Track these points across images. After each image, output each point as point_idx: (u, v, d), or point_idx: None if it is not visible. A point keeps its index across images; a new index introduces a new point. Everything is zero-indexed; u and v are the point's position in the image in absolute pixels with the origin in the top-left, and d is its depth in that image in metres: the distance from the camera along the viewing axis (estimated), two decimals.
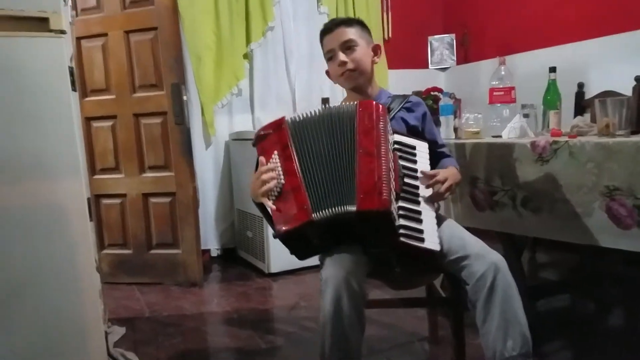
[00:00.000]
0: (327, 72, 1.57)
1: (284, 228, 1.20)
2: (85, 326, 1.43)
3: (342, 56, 1.47)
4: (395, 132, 1.38)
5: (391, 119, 1.42)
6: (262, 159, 1.28)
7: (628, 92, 2.14)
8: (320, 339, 1.20)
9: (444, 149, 1.59)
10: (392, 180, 1.21)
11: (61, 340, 1.39)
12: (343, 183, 1.21)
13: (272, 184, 1.23)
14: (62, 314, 1.39)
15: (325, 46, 1.52)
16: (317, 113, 1.31)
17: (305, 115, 1.31)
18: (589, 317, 2.11)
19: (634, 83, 2.14)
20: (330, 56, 1.51)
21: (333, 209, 1.19)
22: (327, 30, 1.52)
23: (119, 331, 2.04)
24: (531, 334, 1.22)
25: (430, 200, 1.34)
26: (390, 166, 1.23)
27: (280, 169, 1.25)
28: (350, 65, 1.47)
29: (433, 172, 1.38)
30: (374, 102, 1.31)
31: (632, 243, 1.32)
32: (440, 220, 1.38)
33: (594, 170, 1.38)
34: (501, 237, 1.77)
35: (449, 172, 1.41)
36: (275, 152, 1.27)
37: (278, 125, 1.30)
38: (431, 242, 1.24)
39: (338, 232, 1.26)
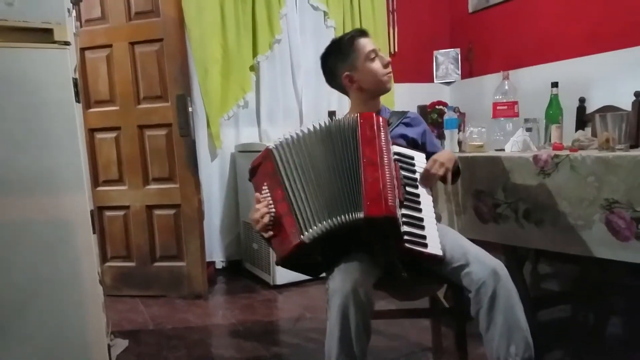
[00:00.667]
0: (349, 77, 1.54)
1: (280, 256, 1.25)
2: (88, 339, 1.44)
3: (388, 57, 1.54)
4: (394, 143, 1.42)
5: (390, 132, 1.46)
6: (257, 195, 1.32)
7: (628, 107, 2.16)
8: (327, 348, 1.21)
9: None
10: (396, 188, 1.24)
11: (64, 352, 1.40)
12: (347, 193, 1.23)
13: (265, 219, 1.26)
14: (65, 326, 1.40)
15: (366, 46, 1.51)
16: (313, 130, 1.34)
17: (294, 137, 1.34)
18: (590, 327, 2.11)
19: (634, 98, 2.17)
20: (373, 56, 1.52)
21: (329, 221, 1.21)
22: (364, 33, 1.55)
23: (122, 344, 2.04)
24: (533, 343, 1.23)
25: (426, 187, 1.39)
26: (393, 174, 1.26)
27: (270, 199, 1.29)
28: (391, 69, 1.54)
29: (428, 164, 1.42)
30: (374, 114, 1.35)
31: (630, 255, 1.34)
32: (440, 229, 1.39)
33: (595, 184, 1.39)
34: (504, 249, 1.78)
35: (440, 154, 1.45)
36: (265, 183, 1.31)
37: (265, 156, 1.35)
38: (434, 247, 1.27)
39: (342, 243, 1.27)
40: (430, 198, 1.39)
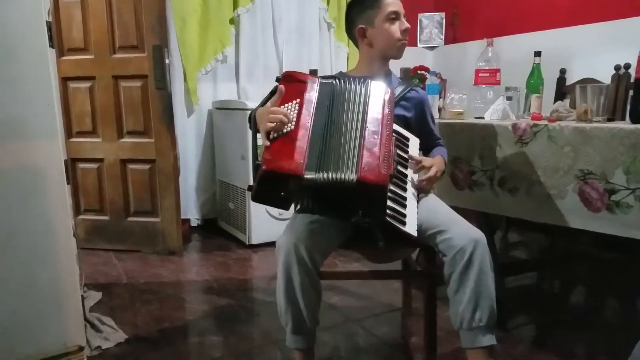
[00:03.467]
0: (362, 30, 1.51)
1: (267, 166, 1.17)
2: (61, 290, 1.43)
3: (408, 24, 1.50)
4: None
5: (395, 104, 1.44)
6: (281, 87, 1.25)
7: (608, 80, 2.19)
8: (278, 303, 1.29)
9: (439, 141, 1.65)
10: (391, 161, 1.25)
11: (38, 304, 1.39)
12: (347, 153, 1.22)
13: (279, 125, 1.20)
14: (38, 277, 1.38)
15: (390, 5, 1.48)
16: (340, 82, 1.32)
17: (333, 82, 1.32)
18: (554, 295, 2.22)
19: (614, 71, 2.20)
20: (393, 17, 1.48)
21: (331, 174, 1.19)
22: None
23: (95, 296, 2.04)
24: (499, 309, 1.29)
25: (415, 188, 1.42)
26: (390, 149, 1.27)
27: (294, 116, 1.24)
28: (407, 37, 1.51)
29: (420, 157, 1.44)
30: (385, 85, 1.35)
31: (601, 225, 1.38)
32: (428, 198, 1.45)
33: (571, 154, 1.43)
34: (477, 216, 1.82)
35: (435, 160, 1.47)
36: (298, 100, 1.27)
37: (312, 81, 1.32)
38: (411, 227, 1.29)
39: (320, 201, 1.30)
40: (416, 181, 1.43)
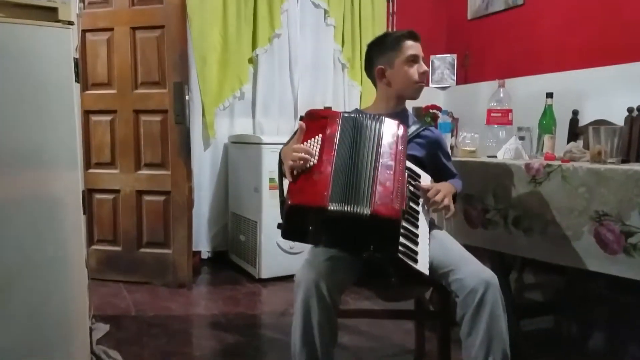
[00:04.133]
0: (381, 70, 1.56)
1: (293, 201, 1.21)
2: (70, 320, 1.43)
3: (426, 67, 1.56)
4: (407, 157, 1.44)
5: (408, 142, 1.48)
6: (302, 125, 1.32)
7: (620, 121, 2.20)
8: (292, 339, 1.25)
9: (455, 177, 1.65)
10: (403, 197, 1.27)
11: (46, 333, 1.38)
12: (361, 187, 1.24)
13: (304, 161, 1.25)
14: (49, 306, 1.38)
15: (410, 49, 1.53)
16: (359, 118, 1.37)
17: (353, 117, 1.37)
18: (571, 338, 2.14)
19: (626, 114, 2.20)
20: (413, 59, 1.53)
21: (349, 207, 1.21)
22: (414, 36, 1.56)
23: (102, 328, 2.02)
24: (514, 352, 1.26)
25: (426, 214, 1.41)
26: (403, 185, 1.29)
27: (317, 151, 1.28)
28: (425, 80, 1.57)
29: (427, 185, 1.44)
30: (398, 123, 1.39)
31: (618, 268, 1.35)
32: (438, 233, 1.44)
33: (585, 195, 1.42)
34: (491, 255, 1.80)
35: (442, 185, 1.47)
36: (320, 135, 1.31)
37: (334, 116, 1.37)
38: (422, 265, 1.28)
39: (337, 234, 1.28)
40: (428, 218, 1.42)
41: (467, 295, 1.24)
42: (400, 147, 1.33)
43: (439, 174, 1.58)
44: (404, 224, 1.30)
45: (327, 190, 1.21)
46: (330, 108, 2.48)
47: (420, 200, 1.42)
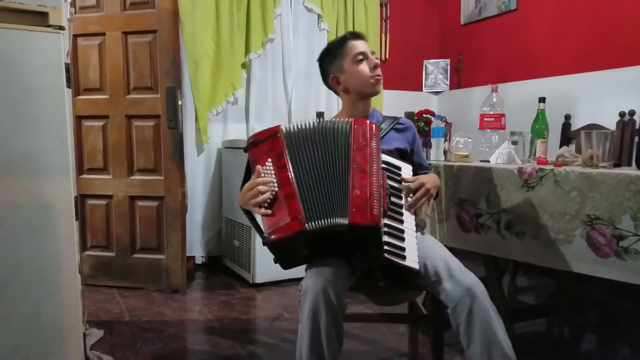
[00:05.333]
0: (335, 78, 1.55)
1: (273, 236, 1.19)
2: (64, 326, 1.42)
3: (376, 60, 1.53)
4: (383, 152, 1.42)
5: (381, 138, 1.46)
6: (258, 167, 1.28)
7: (612, 126, 2.22)
8: (298, 350, 1.21)
9: (427, 172, 1.64)
10: (382, 197, 1.24)
11: (39, 338, 1.38)
12: (335, 196, 1.23)
13: (267, 195, 1.23)
14: (43, 313, 1.38)
15: (356, 48, 1.52)
16: (312, 125, 1.33)
17: (299, 126, 1.33)
18: (564, 341, 2.15)
19: (618, 118, 2.23)
20: (361, 58, 1.51)
21: (326, 220, 1.20)
22: (357, 35, 1.55)
23: (96, 334, 2.01)
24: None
25: (410, 209, 1.38)
26: (381, 183, 1.25)
27: (274, 177, 1.25)
28: (380, 72, 1.53)
29: (412, 178, 1.42)
30: (368, 121, 1.35)
31: (610, 271, 1.36)
32: (422, 239, 1.41)
33: (577, 199, 1.43)
34: (484, 259, 1.81)
35: (428, 178, 1.44)
36: (270, 159, 1.28)
37: (273, 133, 1.31)
38: (411, 260, 1.27)
39: (325, 245, 1.27)
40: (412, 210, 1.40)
41: (455, 307, 1.23)
42: (373, 146, 1.29)
43: (415, 166, 1.56)
44: (386, 221, 1.29)
45: (299, 213, 1.19)
46: (322, 113, 2.47)
47: (403, 195, 1.39)
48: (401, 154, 1.53)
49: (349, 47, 1.53)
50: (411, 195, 1.39)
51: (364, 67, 1.51)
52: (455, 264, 1.30)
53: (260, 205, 1.24)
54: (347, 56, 1.52)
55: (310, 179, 1.26)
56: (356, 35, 1.56)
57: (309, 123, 1.33)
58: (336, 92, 1.62)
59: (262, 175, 1.26)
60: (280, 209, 1.21)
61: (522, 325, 2.15)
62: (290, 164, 1.26)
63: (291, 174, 1.25)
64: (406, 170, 1.46)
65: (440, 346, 1.44)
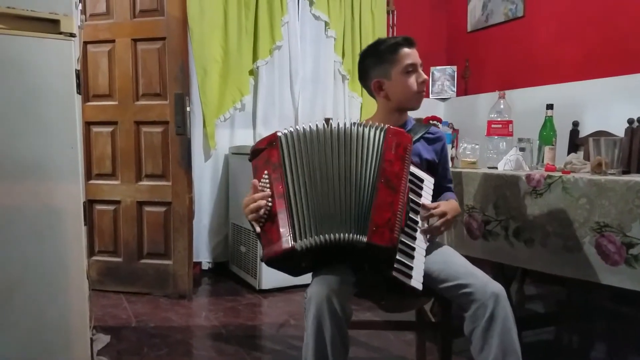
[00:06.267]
0: (378, 83, 1.47)
1: (265, 256, 1.18)
2: (71, 331, 1.42)
3: (425, 76, 1.47)
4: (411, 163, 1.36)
5: (415, 143, 1.41)
6: (254, 182, 1.24)
7: (620, 132, 2.21)
8: (304, 356, 1.20)
9: (450, 185, 1.61)
10: (402, 215, 1.20)
11: (46, 343, 1.38)
12: (353, 210, 1.18)
13: (260, 212, 1.19)
14: (50, 318, 1.38)
15: (408, 57, 1.43)
16: (328, 129, 1.25)
17: (308, 129, 1.25)
18: (573, 350, 2.13)
19: (627, 125, 2.21)
20: (411, 69, 1.44)
21: (329, 235, 1.16)
22: (410, 42, 1.46)
23: (103, 339, 2.02)
24: None
25: (425, 234, 1.33)
26: (405, 201, 1.21)
27: (269, 190, 1.21)
28: (425, 88, 1.48)
29: (434, 204, 1.36)
30: (405, 132, 1.29)
31: (619, 279, 1.35)
32: (437, 246, 1.40)
33: (586, 206, 1.42)
34: (492, 267, 1.79)
35: (450, 206, 1.40)
36: (266, 172, 1.23)
37: (271, 141, 1.25)
38: (417, 280, 1.23)
39: (329, 254, 1.25)
40: (426, 226, 1.35)
41: (477, 309, 1.20)
42: (406, 159, 1.21)
43: (439, 178, 1.52)
44: (401, 238, 1.24)
45: (288, 231, 1.15)
46: (330, 119, 2.48)
47: (420, 210, 1.34)
48: (429, 166, 1.48)
49: (401, 55, 1.43)
50: (428, 220, 1.35)
51: (413, 82, 1.44)
52: (479, 270, 1.29)
53: (257, 222, 1.21)
54: (397, 64, 1.44)
55: (316, 190, 1.20)
56: (410, 43, 1.46)
57: (323, 125, 1.25)
58: (371, 94, 1.54)
59: (260, 188, 1.22)
60: (273, 225, 1.17)
61: (531, 334, 2.13)
62: (289, 176, 1.21)
63: (287, 188, 1.20)
64: (428, 183, 1.40)
65: (449, 354, 1.43)
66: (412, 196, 1.32)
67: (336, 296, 1.16)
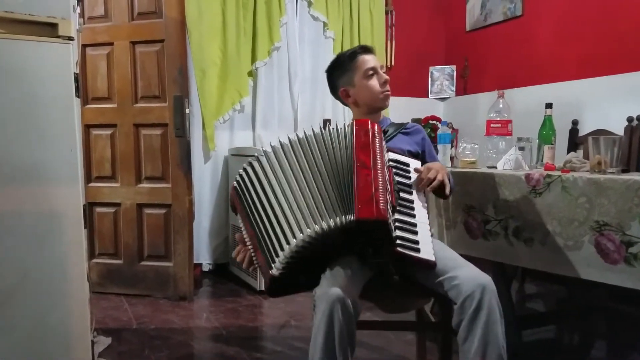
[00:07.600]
0: (345, 91, 1.59)
1: (266, 290, 1.33)
2: (71, 334, 1.43)
3: (386, 76, 1.57)
4: (390, 150, 1.44)
5: (388, 141, 1.49)
6: (237, 235, 1.39)
7: (620, 131, 2.21)
8: (310, 354, 1.21)
9: None
10: (389, 193, 1.25)
11: (47, 346, 1.38)
12: (341, 197, 1.24)
13: (246, 261, 1.36)
14: (50, 320, 1.38)
15: (367, 63, 1.55)
16: (306, 137, 1.33)
17: (273, 149, 1.32)
18: (573, 348, 2.13)
19: (626, 123, 2.21)
20: (372, 73, 1.55)
21: (319, 226, 1.21)
22: (368, 50, 1.58)
23: (104, 341, 2.02)
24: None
25: (424, 204, 1.39)
26: (387, 179, 1.26)
27: (246, 235, 1.32)
28: (389, 87, 1.57)
29: (422, 167, 1.45)
30: (369, 121, 1.37)
31: (619, 278, 1.35)
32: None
33: (586, 205, 1.42)
34: (492, 266, 1.79)
35: (433, 164, 1.48)
36: (240, 219, 1.34)
37: (232, 195, 1.37)
38: (426, 252, 1.27)
39: (331, 251, 1.28)
40: (425, 205, 1.40)
41: (465, 300, 1.22)
42: (376, 142, 1.29)
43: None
44: (397, 216, 1.29)
45: (264, 263, 1.26)
46: (329, 120, 2.48)
47: (414, 191, 1.40)
48: (412, 156, 1.53)
49: (359, 62, 1.56)
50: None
51: (374, 83, 1.55)
52: (468, 263, 1.32)
53: (250, 267, 1.36)
54: (357, 70, 1.56)
55: (292, 199, 1.25)
56: (367, 50, 1.58)
57: (303, 135, 1.33)
58: (344, 104, 1.65)
59: (243, 239, 1.34)
60: (258, 263, 1.30)
61: (531, 332, 2.14)
62: (251, 214, 1.30)
63: (252, 226, 1.29)
64: (415, 165, 1.47)
65: (449, 354, 1.43)
66: (400, 179, 1.39)
67: (347, 295, 1.18)
